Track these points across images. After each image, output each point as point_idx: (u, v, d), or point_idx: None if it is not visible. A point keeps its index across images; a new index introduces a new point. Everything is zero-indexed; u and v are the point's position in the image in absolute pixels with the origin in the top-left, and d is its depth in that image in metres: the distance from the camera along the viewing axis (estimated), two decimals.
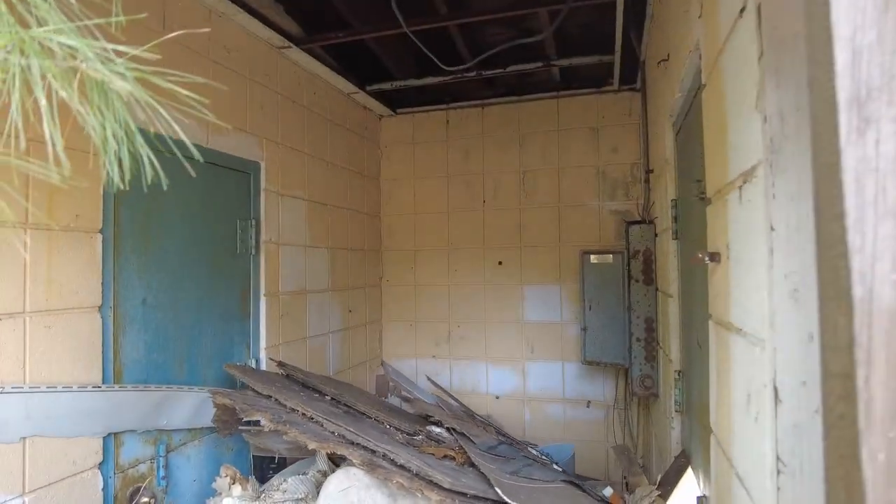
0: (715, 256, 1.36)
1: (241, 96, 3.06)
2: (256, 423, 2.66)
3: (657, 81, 3.00)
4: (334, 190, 4.02)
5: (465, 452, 1.91)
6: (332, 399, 2.31)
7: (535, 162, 4.43)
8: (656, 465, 3.04)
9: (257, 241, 3.16)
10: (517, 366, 4.39)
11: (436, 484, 1.56)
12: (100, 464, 2.18)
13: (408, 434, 2.04)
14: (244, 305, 3.08)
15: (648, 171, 3.43)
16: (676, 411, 2.47)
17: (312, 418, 1.91)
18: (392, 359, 4.68)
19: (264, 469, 2.75)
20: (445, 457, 1.85)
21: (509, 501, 1.61)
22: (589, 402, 4.24)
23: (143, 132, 2.29)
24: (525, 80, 4.49)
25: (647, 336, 3.22)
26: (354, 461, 1.57)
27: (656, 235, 3.24)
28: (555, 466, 2.27)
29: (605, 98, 4.34)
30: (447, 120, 4.68)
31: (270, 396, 2.15)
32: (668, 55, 2.37)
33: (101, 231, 2.21)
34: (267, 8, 3.13)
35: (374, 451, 1.66)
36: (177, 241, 2.63)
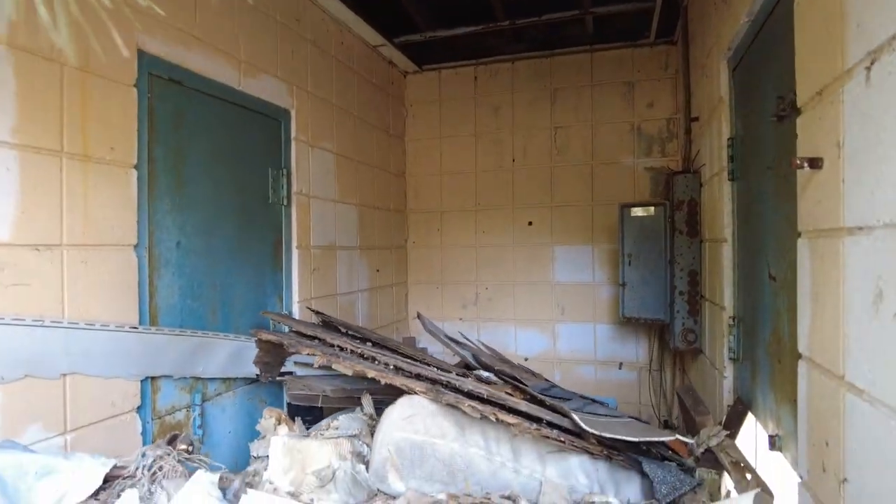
0: (816, 162, 1.24)
1: (272, 39, 2.95)
2: (292, 373, 2.59)
3: (706, 22, 2.85)
4: (361, 146, 3.91)
5: (523, 392, 1.83)
6: (374, 343, 2.23)
7: (568, 118, 4.29)
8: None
9: (289, 192, 3.06)
10: (547, 327, 4.30)
11: (510, 408, 1.48)
12: (138, 408, 2.12)
13: (459, 375, 1.96)
14: (277, 257, 3.00)
15: (692, 121, 3.29)
16: (731, 359, 2.37)
17: (363, 354, 1.83)
18: (418, 321, 4.60)
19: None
20: (506, 393, 1.76)
21: (588, 429, 1.52)
22: (621, 363, 4.15)
23: (176, 67, 2.15)
24: (557, 33, 4.33)
25: (691, 289, 3.11)
26: (417, 390, 1.49)
27: (701, 185, 3.11)
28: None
29: (640, 52, 4.18)
30: (475, 76, 4.54)
31: (315, 338, 2.07)
32: None
33: (135, 167, 2.12)
34: None
35: (435, 381, 1.57)
36: (210, 185, 2.54)
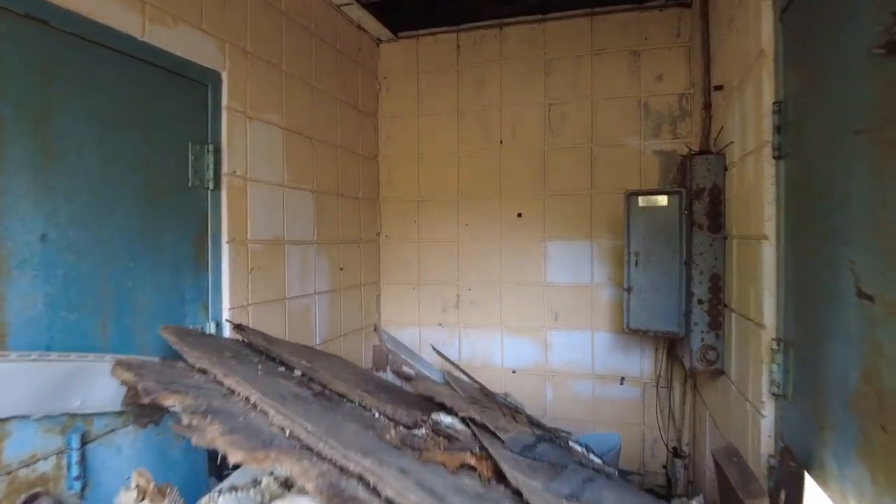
0: None
1: None
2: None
3: None
4: (322, 122, 3.31)
5: (492, 457, 1.27)
6: (303, 375, 1.68)
7: (564, 93, 3.70)
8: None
9: (217, 173, 2.47)
10: (538, 335, 3.73)
11: None
12: None
13: (406, 427, 1.40)
14: (200, 253, 2.41)
15: (714, 89, 2.70)
16: (774, 394, 1.80)
17: (256, 405, 1.26)
18: (391, 326, 4.02)
19: (222, 466, 2.11)
20: (463, 467, 1.21)
21: None
22: (623, 378, 3.58)
23: (41, 2, 1.19)
24: None
25: (712, 297, 2.54)
26: (307, 487, 0.94)
27: (726, 169, 2.53)
28: (624, 479, 1.63)
29: (648, 16, 3.59)
30: (458, 44, 3.94)
31: (207, 371, 1.51)
32: None
33: None
34: None
35: (342, 468, 1.01)
36: (97, 160, 1.94)
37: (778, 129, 1.79)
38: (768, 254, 1.86)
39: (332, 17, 3.47)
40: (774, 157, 1.83)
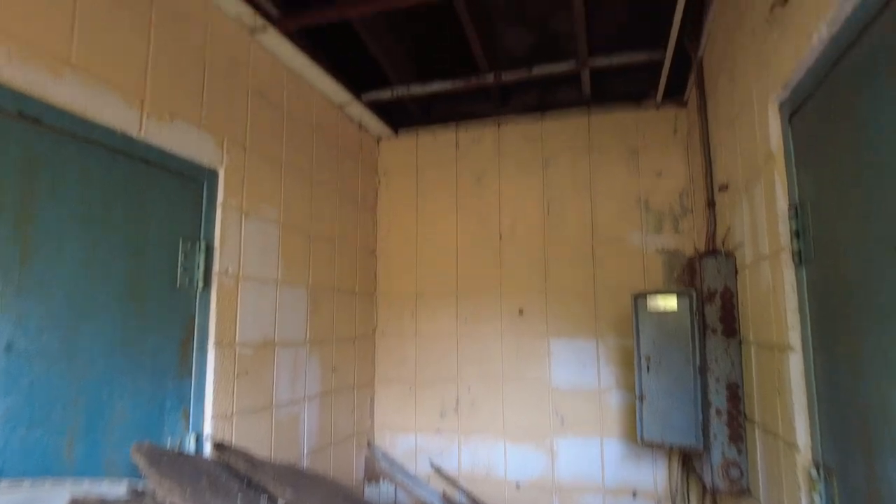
0: None
1: (195, 80, 2.35)
2: None
3: (737, 65, 2.29)
4: (319, 216, 3.26)
5: None
6: None
7: (563, 189, 3.69)
8: None
9: (208, 272, 2.36)
10: (543, 443, 3.48)
11: None
12: None
13: None
14: (184, 358, 2.25)
15: (719, 190, 2.67)
16: None
17: None
18: (385, 433, 3.77)
19: None
20: None
21: None
22: (635, 492, 3.31)
23: (31, 99, 1.42)
24: (549, 95, 3.83)
25: (731, 407, 2.37)
26: None
27: (737, 271, 2.44)
28: None
29: (644, 115, 3.65)
30: (457, 141, 3.98)
31: None
32: None
33: None
34: None
35: None
36: (78, 260, 1.83)
37: (797, 234, 1.71)
38: (795, 366, 1.72)
39: (333, 116, 3.52)
40: (795, 263, 1.73)
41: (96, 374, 1.88)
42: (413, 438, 3.71)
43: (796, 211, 1.73)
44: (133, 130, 2.03)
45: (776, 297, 1.86)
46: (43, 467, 1.70)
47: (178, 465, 1.59)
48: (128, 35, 2.03)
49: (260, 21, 2.64)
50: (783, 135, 1.83)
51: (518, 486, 3.45)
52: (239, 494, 1.50)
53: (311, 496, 1.56)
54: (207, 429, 2.27)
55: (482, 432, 3.60)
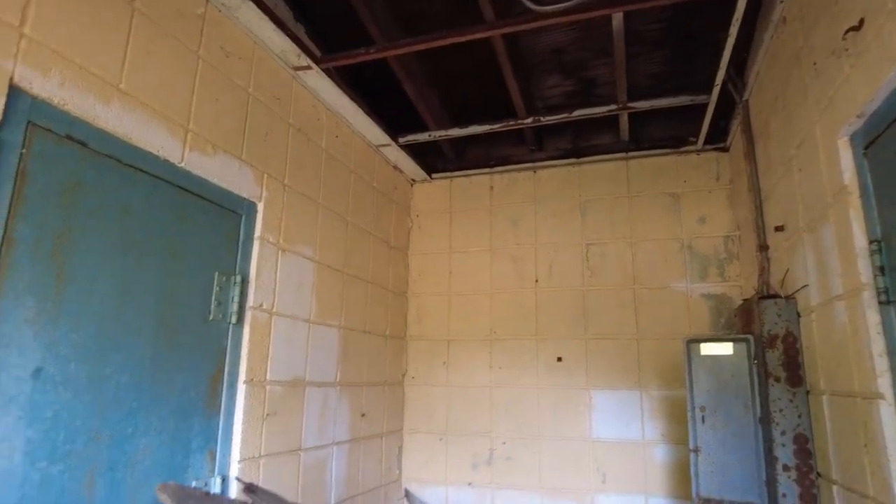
0: None
1: (238, 114, 2.34)
2: None
3: (796, 101, 2.22)
4: (354, 256, 3.19)
5: None
6: None
7: (602, 234, 3.59)
8: None
9: (242, 306, 2.28)
10: (583, 499, 3.25)
11: None
12: None
13: None
14: (213, 395, 2.14)
15: (776, 229, 2.54)
16: None
17: None
18: (413, 485, 3.57)
19: None
20: None
21: None
22: None
23: (80, 122, 1.38)
24: (585, 141, 3.79)
25: (801, 462, 2.17)
26: None
27: (799, 315, 2.29)
28: None
29: (685, 160, 3.58)
30: (491, 185, 3.94)
31: None
32: (862, 20, 1.58)
33: None
34: (284, 20, 2.53)
35: None
36: (113, 289, 1.77)
37: (881, 270, 1.58)
38: (888, 416, 1.56)
39: (370, 157, 3.50)
40: (880, 302, 1.59)
41: (122, 409, 1.78)
42: (444, 491, 3.50)
43: (879, 246, 1.60)
44: (175, 159, 2.01)
45: (857, 341, 1.71)
46: None
47: (214, 498, 1.47)
48: (176, 66, 2.03)
49: (303, 60, 2.65)
50: (857, 167, 1.72)
51: None
52: None
53: None
54: (234, 471, 2.14)
55: (517, 488, 3.37)
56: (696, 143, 3.49)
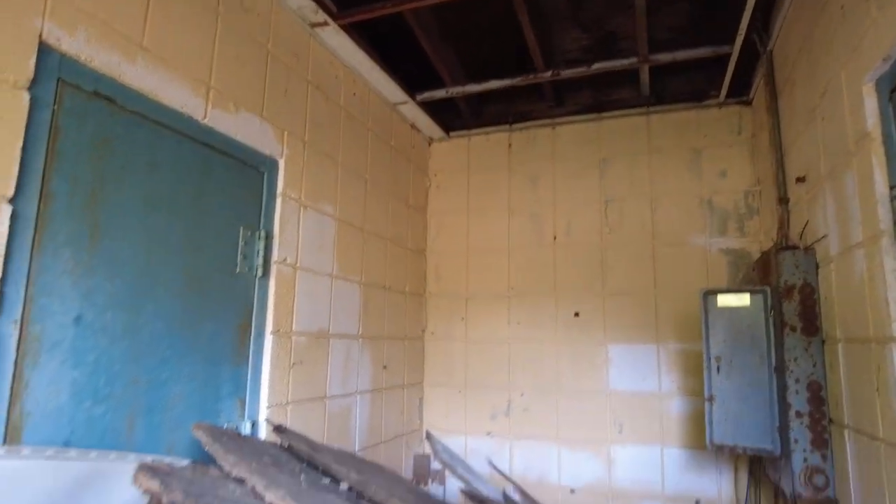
0: None
1: (258, 71, 2.37)
2: None
3: (822, 48, 2.17)
4: (372, 214, 3.24)
5: None
6: (350, 489, 1.42)
7: (621, 189, 3.58)
8: None
9: (267, 260, 2.36)
10: (600, 450, 3.34)
11: None
12: None
13: None
14: (241, 345, 2.23)
15: (797, 181, 2.51)
16: None
17: None
18: (434, 434, 3.69)
19: None
20: None
21: None
22: (698, 501, 3.13)
23: (107, 78, 1.42)
24: (603, 97, 3.74)
25: (813, 409, 2.20)
26: None
27: (818, 266, 2.29)
28: None
29: (706, 113, 3.53)
30: (509, 143, 3.93)
31: (244, 481, 1.27)
32: None
33: (12, 201, 1.44)
34: None
35: None
36: (143, 242, 1.84)
37: None
38: None
39: (387, 115, 3.51)
40: None
41: (156, 355, 1.88)
42: (463, 440, 3.62)
43: None
44: (199, 116, 2.05)
45: (873, 286, 1.72)
46: (104, 443, 1.68)
47: (239, 443, 1.56)
48: (196, 22, 2.05)
49: (320, 15, 2.65)
50: (881, 112, 1.70)
51: (572, 492, 3.31)
52: (302, 474, 1.45)
53: (374, 479, 1.49)
54: (263, 416, 2.24)
55: (535, 438, 3.47)
56: (717, 96, 3.43)
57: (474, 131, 4.02)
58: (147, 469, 1.24)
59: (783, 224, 2.65)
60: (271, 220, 2.42)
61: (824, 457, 2.16)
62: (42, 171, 1.53)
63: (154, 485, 1.15)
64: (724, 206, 3.37)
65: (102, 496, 1.60)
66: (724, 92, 3.36)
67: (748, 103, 3.44)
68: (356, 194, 3.08)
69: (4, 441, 1.41)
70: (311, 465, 1.60)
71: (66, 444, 1.57)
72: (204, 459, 1.74)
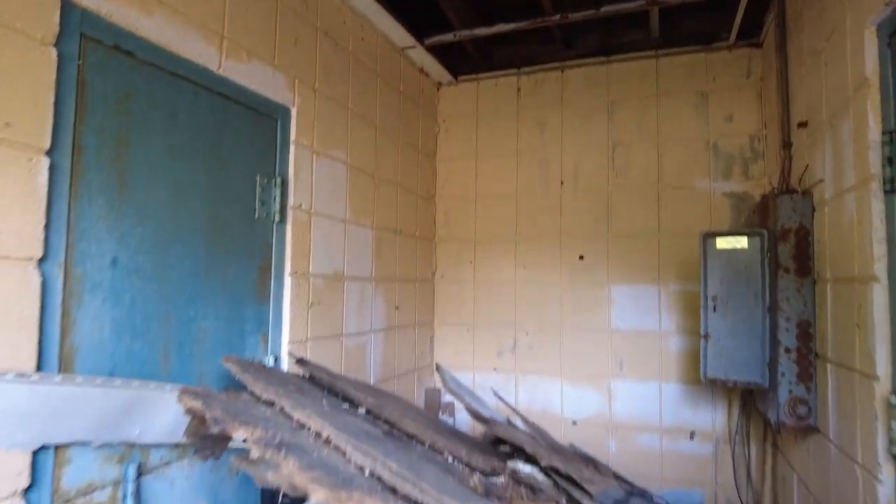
0: None
1: (268, 20, 2.41)
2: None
3: None
4: (383, 160, 3.32)
5: None
6: (368, 412, 1.58)
7: (628, 134, 3.62)
8: None
9: (283, 206, 2.47)
10: (601, 385, 3.53)
11: None
12: (26, 489, 1.48)
13: (483, 473, 1.28)
14: (262, 285, 2.38)
15: (798, 126, 2.56)
16: (894, 455, 1.59)
17: (329, 441, 1.17)
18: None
19: None
20: None
21: None
22: (693, 432, 3.33)
23: (125, 32, 1.49)
24: (613, 39, 3.71)
25: (801, 345, 2.34)
26: None
27: (814, 210, 2.37)
28: None
29: (716, 56, 3.51)
30: (518, 87, 3.94)
31: (273, 403, 1.43)
32: None
33: (48, 153, 1.55)
34: None
35: None
36: (168, 189, 1.95)
37: (889, 161, 1.65)
38: (879, 297, 1.69)
39: (396, 60, 3.53)
40: (885, 192, 1.67)
41: (185, 295, 2.02)
42: (471, 376, 3.82)
43: (891, 137, 1.66)
44: (213, 66, 2.11)
45: (861, 229, 1.81)
46: (143, 374, 1.85)
47: (266, 373, 1.72)
48: None
49: None
50: (880, 58, 1.74)
51: (575, 423, 3.53)
52: (324, 399, 1.61)
53: (389, 406, 1.65)
54: (285, 351, 2.41)
55: (539, 373, 3.66)
56: (728, 38, 3.40)
57: (483, 75, 4.03)
58: (189, 391, 1.39)
59: (784, 169, 2.71)
60: (286, 168, 2.51)
61: (808, 389, 2.31)
62: (73, 124, 1.63)
63: (197, 404, 1.31)
64: (729, 150, 3.41)
65: (144, 419, 1.78)
66: (734, 34, 3.33)
67: (758, 45, 3.41)
68: (366, 140, 3.16)
69: (60, 370, 1.58)
70: (332, 393, 1.76)
71: (111, 374, 1.74)
72: (235, 389, 1.91)
